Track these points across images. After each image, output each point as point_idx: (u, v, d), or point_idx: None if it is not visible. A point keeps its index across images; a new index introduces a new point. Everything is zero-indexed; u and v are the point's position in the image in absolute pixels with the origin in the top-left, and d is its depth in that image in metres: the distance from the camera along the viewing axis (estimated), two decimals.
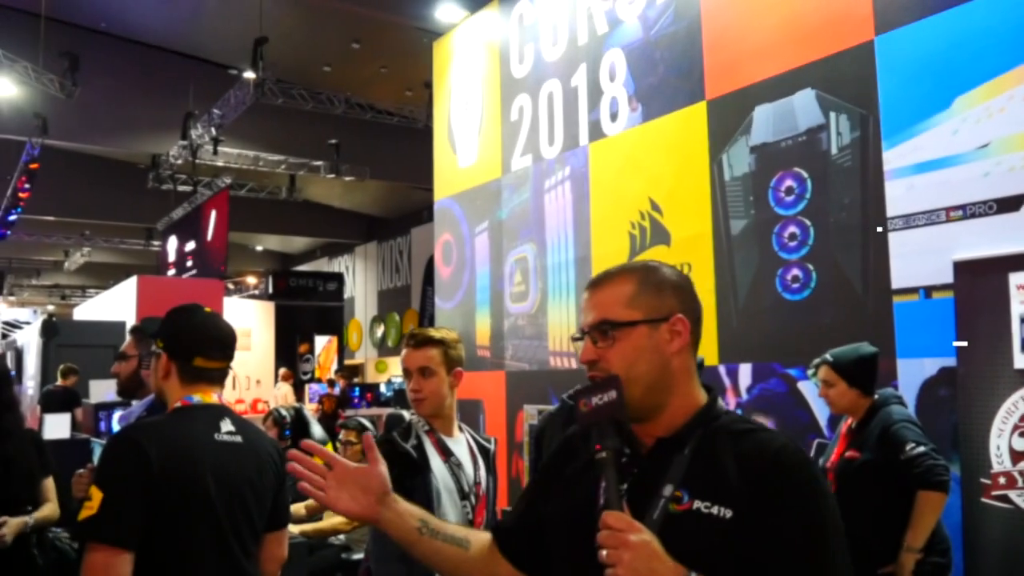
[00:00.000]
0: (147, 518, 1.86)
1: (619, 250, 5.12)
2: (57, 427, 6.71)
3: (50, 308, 26.36)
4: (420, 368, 2.61)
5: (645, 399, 1.37)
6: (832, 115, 4.00)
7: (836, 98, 3.99)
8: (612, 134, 5.28)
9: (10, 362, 14.13)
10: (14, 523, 3.02)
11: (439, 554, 1.48)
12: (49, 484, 3.32)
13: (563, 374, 5.44)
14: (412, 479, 2.50)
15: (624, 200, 5.14)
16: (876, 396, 3.20)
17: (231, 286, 20.54)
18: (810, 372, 3.40)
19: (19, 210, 14.67)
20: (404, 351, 2.64)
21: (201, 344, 2.15)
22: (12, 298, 26.41)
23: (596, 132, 5.39)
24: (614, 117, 5.26)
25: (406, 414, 6.41)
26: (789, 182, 4.17)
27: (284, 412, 6.54)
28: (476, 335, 6.30)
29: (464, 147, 6.71)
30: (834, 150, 3.99)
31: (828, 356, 3.23)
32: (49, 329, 10.36)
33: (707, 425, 1.37)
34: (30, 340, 12.32)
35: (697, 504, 1.29)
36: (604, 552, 1.19)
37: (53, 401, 8.76)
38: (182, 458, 1.95)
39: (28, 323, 16.20)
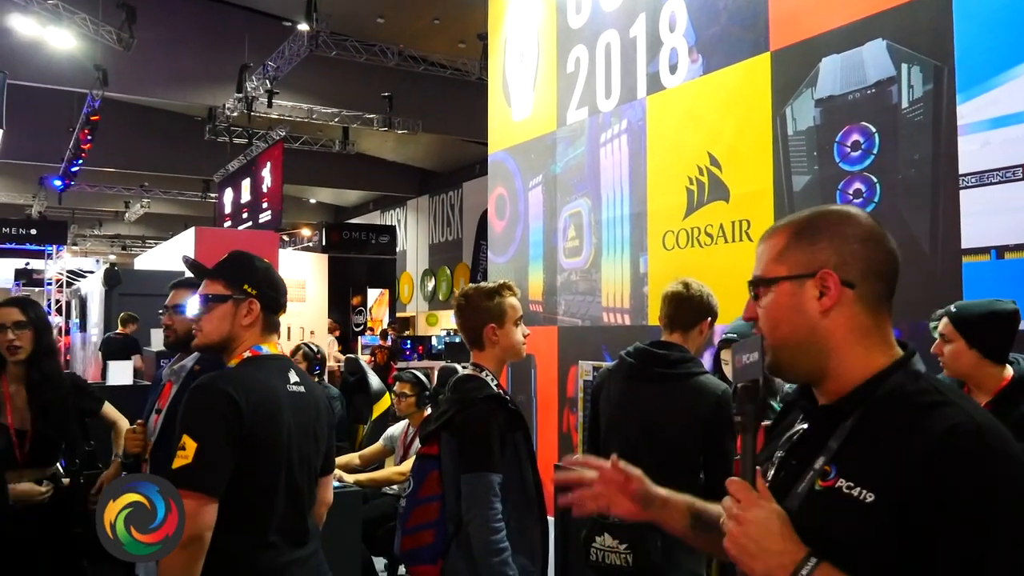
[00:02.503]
0: (233, 466, 1.90)
1: (676, 205, 5.03)
2: (120, 374, 6.90)
3: (112, 258, 27.07)
4: None
5: (795, 363, 1.25)
6: (904, 67, 3.84)
7: (909, 49, 3.82)
8: (671, 86, 5.15)
9: (75, 310, 14.55)
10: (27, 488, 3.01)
11: (715, 545, 1.42)
12: (107, 409, 3.44)
13: (616, 330, 5.41)
14: (514, 435, 2.54)
15: (682, 154, 5.04)
16: (1014, 366, 2.66)
17: (286, 238, 20.81)
18: (932, 324, 2.92)
19: (80, 161, 14.99)
20: (513, 299, 2.71)
21: (284, 297, 2.26)
22: (76, 248, 27.15)
23: (655, 84, 5.27)
24: (673, 69, 5.13)
25: (459, 367, 6.43)
26: (856, 136, 4.03)
27: (313, 347, 6.61)
28: (529, 290, 6.28)
29: (519, 100, 6.63)
30: (905, 103, 3.84)
31: (952, 307, 2.76)
32: (111, 278, 10.63)
33: (879, 394, 1.20)
34: (93, 289, 12.67)
35: (841, 482, 1.15)
36: (723, 519, 1.15)
37: (113, 348, 9.02)
38: (267, 408, 1.99)
39: (91, 272, 16.65)
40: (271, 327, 2.20)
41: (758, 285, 1.28)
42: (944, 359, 2.71)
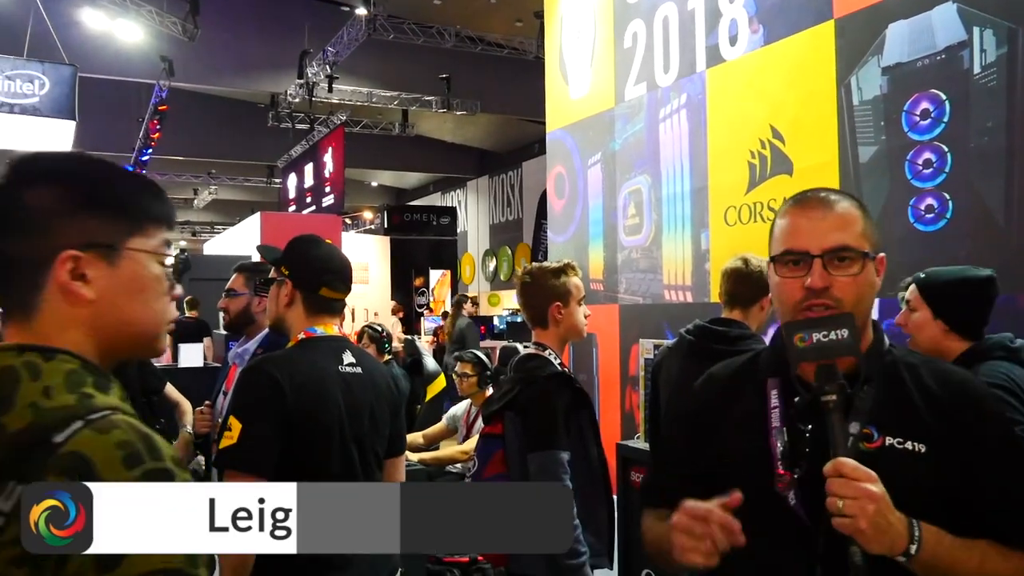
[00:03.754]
0: (281, 447, 1.94)
1: (738, 181, 4.94)
2: (191, 356, 7.12)
3: (182, 244, 27.75)
4: None
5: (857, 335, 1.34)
6: (976, 30, 3.69)
7: (980, 11, 3.67)
8: (731, 59, 5.05)
9: None
10: None
11: None
12: (169, 389, 3.56)
13: (678, 308, 5.36)
14: (579, 413, 2.57)
15: (743, 128, 4.94)
16: (978, 341, 2.37)
17: (348, 221, 21.09)
18: (900, 295, 2.60)
19: (149, 151, 15.40)
20: (577, 279, 2.72)
21: (328, 275, 2.22)
22: None
23: (714, 57, 5.17)
24: (733, 40, 5.02)
25: (520, 346, 6.45)
26: (925, 105, 3.90)
27: (377, 327, 6.64)
28: (589, 268, 6.26)
29: (576, 77, 6.58)
30: (977, 69, 3.69)
31: (921, 273, 2.49)
32: (183, 264, 10.92)
33: (883, 358, 1.35)
34: None
35: (889, 440, 1.25)
36: (840, 502, 1.13)
37: (185, 331, 9.27)
38: (313, 390, 2.02)
39: None
40: (318, 308, 2.19)
41: (857, 256, 1.31)
42: (909, 330, 2.45)
